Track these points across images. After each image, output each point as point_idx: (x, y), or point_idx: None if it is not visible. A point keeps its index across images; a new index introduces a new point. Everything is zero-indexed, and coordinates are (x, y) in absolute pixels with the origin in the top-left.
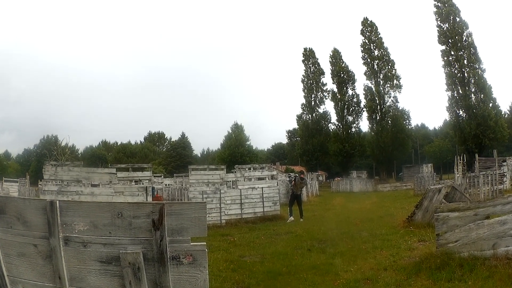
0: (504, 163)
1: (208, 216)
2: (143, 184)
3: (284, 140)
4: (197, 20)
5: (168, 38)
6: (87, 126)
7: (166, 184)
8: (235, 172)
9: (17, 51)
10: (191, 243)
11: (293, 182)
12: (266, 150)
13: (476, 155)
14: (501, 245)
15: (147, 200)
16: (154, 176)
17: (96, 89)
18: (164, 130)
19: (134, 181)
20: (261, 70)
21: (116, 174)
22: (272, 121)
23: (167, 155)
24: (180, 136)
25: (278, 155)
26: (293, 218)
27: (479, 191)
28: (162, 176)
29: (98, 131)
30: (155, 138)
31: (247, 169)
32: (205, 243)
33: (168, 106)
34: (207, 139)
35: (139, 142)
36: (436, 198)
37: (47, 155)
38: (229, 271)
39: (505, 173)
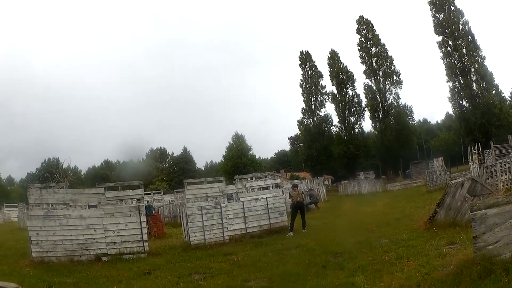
0: None
1: (210, 233)
2: (138, 203)
3: (287, 147)
4: (191, 33)
5: (165, 53)
6: (89, 147)
7: (169, 201)
8: (235, 183)
9: (15, 75)
10: None
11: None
12: (269, 158)
13: (491, 143)
14: None
15: (140, 221)
16: (154, 193)
17: (95, 109)
18: (166, 146)
19: (137, 200)
20: (258, 79)
21: (104, 194)
22: (274, 129)
23: (169, 171)
24: (182, 151)
25: (282, 163)
26: (291, 234)
27: (497, 180)
28: (162, 193)
29: (100, 151)
30: (157, 155)
31: (248, 179)
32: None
33: (169, 122)
34: (210, 152)
35: (141, 160)
36: (459, 194)
37: (49, 178)
38: None
39: None
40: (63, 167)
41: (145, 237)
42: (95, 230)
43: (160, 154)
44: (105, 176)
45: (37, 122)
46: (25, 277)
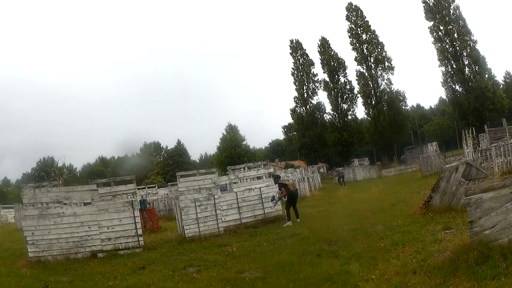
0: None
1: (204, 225)
2: (130, 197)
3: (281, 136)
4: (183, 24)
5: (157, 46)
6: (83, 143)
7: (164, 194)
8: (228, 174)
9: (10, 74)
10: None
11: (281, 189)
12: (264, 148)
13: (486, 127)
14: None
15: (134, 216)
16: (148, 187)
17: (88, 105)
18: (160, 140)
19: (132, 195)
20: (250, 69)
21: (97, 190)
22: (268, 118)
23: (164, 164)
24: (176, 144)
25: (276, 152)
26: (290, 223)
27: (492, 164)
28: (156, 187)
29: (95, 148)
30: (151, 149)
31: (241, 169)
32: None
33: (162, 115)
34: (204, 144)
35: (135, 154)
36: (454, 178)
37: (44, 177)
38: None
39: None
40: (58, 165)
41: (140, 231)
42: (89, 227)
43: (154, 148)
44: (100, 173)
45: (32, 121)
46: (22, 278)
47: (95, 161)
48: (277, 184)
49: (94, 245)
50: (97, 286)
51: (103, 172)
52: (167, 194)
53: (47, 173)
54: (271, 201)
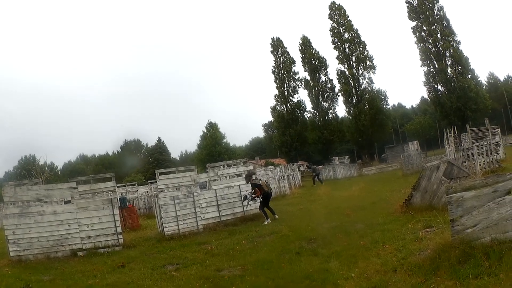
0: (497, 130)
1: (183, 223)
2: (109, 195)
3: (262, 134)
4: (164, 23)
5: (139, 43)
6: (64, 142)
7: (144, 192)
8: (207, 171)
9: None
10: None
11: (255, 189)
12: (244, 146)
13: (468, 126)
14: None
15: (113, 214)
16: (128, 185)
17: (70, 103)
18: (140, 137)
19: (111, 192)
20: (231, 67)
21: (77, 188)
22: (249, 116)
23: (144, 162)
24: (156, 142)
25: (256, 150)
26: (270, 220)
27: (474, 163)
28: (136, 184)
29: (76, 146)
30: (131, 147)
31: (221, 167)
32: None
33: (144, 113)
34: (186, 141)
35: (116, 152)
36: (435, 177)
37: (26, 175)
38: None
39: (499, 142)
40: (40, 163)
41: (119, 229)
42: (69, 225)
43: (134, 146)
44: (81, 171)
45: (14, 120)
46: (4, 277)
47: (76, 159)
48: (250, 184)
49: (74, 244)
50: (77, 284)
51: (84, 170)
52: (147, 192)
53: (28, 171)
54: (243, 201)
